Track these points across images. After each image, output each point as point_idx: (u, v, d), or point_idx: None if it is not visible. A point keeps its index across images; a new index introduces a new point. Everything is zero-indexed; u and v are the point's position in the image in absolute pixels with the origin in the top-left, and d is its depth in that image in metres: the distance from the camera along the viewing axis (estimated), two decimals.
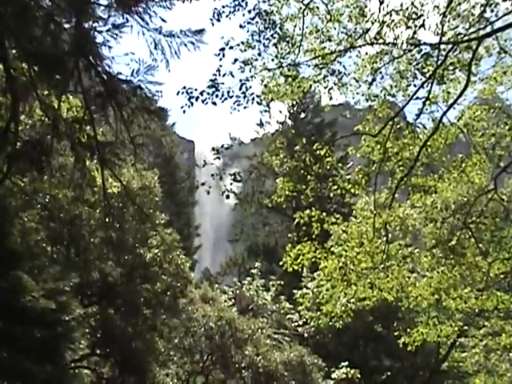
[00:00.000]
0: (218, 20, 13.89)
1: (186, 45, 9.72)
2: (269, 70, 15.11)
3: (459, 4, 14.27)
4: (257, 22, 14.55)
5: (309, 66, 15.44)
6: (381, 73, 15.71)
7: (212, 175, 16.33)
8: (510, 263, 18.61)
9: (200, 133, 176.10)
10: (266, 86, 15.31)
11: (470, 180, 17.83)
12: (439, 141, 16.41)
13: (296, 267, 18.04)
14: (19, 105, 10.15)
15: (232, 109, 14.54)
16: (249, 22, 14.51)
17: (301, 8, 14.86)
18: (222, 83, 14.03)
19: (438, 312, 22.15)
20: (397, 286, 18.86)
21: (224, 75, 14.04)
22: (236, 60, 14.67)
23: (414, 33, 14.41)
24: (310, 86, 15.75)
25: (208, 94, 13.93)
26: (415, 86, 15.44)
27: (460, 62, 14.71)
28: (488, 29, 14.07)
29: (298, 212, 17.85)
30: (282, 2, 14.73)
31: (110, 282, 18.79)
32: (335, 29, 15.12)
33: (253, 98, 14.49)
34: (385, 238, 17.54)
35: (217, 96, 14.00)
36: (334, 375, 26.57)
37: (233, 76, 14.18)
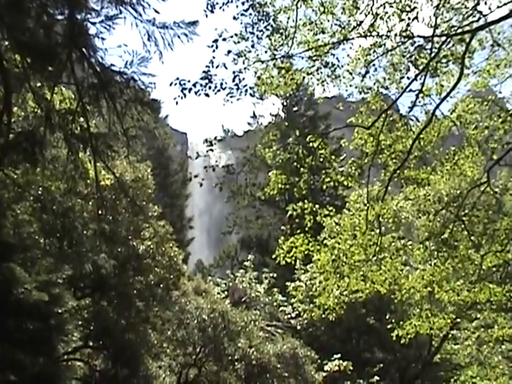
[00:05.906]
0: (212, 11, 13.84)
1: (179, 36, 9.72)
2: (262, 61, 15.09)
3: None
4: (250, 14, 14.52)
5: (302, 58, 15.45)
6: (374, 65, 15.73)
7: (205, 167, 16.23)
8: (503, 256, 18.66)
9: (193, 125, 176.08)
10: (259, 77, 15.29)
11: (463, 173, 17.85)
12: (432, 133, 16.44)
13: (289, 260, 18.06)
14: (12, 96, 10.11)
15: (225, 101, 14.54)
16: (242, 14, 14.48)
17: (294, 0, 14.84)
18: (215, 75, 14.00)
19: (431, 304, 22.18)
20: (389, 278, 18.90)
21: (217, 67, 13.98)
22: (229, 52, 14.64)
23: (408, 25, 14.42)
24: (304, 78, 15.75)
25: (201, 85, 13.89)
26: (408, 78, 15.48)
27: (453, 54, 14.74)
28: (481, 21, 14.09)
29: (291, 204, 17.82)
30: None
31: (103, 274, 18.71)
32: (329, 21, 15.11)
33: (246, 90, 14.46)
34: (378, 231, 17.55)
35: (210, 88, 13.96)
36: (326, 367, 26.59)
37: (226, 68, 14.11)
